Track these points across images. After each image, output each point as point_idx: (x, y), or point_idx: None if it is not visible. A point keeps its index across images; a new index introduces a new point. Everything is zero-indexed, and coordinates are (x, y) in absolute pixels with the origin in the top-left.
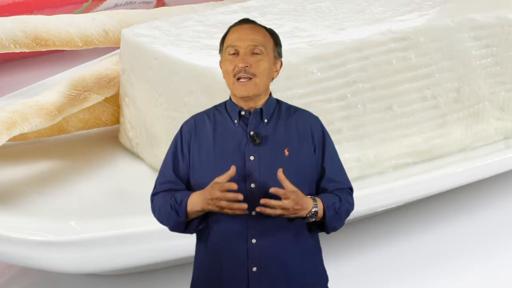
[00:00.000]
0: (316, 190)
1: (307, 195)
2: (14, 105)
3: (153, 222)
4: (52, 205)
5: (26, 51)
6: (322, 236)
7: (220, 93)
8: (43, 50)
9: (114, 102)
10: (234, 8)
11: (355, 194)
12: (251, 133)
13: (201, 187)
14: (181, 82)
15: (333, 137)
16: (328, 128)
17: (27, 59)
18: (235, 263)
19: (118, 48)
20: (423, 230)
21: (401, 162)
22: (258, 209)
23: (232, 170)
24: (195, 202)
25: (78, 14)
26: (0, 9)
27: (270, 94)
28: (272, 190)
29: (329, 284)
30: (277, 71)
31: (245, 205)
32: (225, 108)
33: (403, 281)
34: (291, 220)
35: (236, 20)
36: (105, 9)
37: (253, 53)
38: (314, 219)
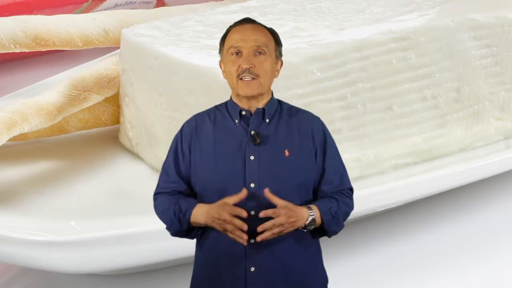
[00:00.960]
0: (316, 191)
1: (307, 196)
2: (14, 105)
3: (153, 222)
4: (52, 205)
5: (26, 51)
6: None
7: (220, 93)
8: (43, 50)
9: (114, 102)
10: (234, 8)
11: (355, 194)
12: (252, 132)
13: (202, 186)
14: (181, 82)
15: (333, 137)
16: (328, 128)
17: (27, 59)
18: (233, 263)
19: (118, 48)
20: (423, 230)
21: (401, 162)
22: (258, 238)
23: (244, 192)
24: (200, 214)
25: (78, 14)
26: (0, 9)
27: (272, 94)
28: (262, 214)
29: (329, 284)
30: (278, 71)
31: (246, 236)
32: (226, 108)
33: (403, 281)
34: None
35: (236, 20)
36: (105, 9)
37: (256, 54)
38: (314, 226)
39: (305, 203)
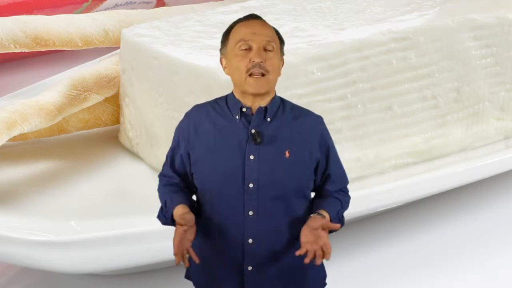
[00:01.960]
0: (318, 189)
1: (305, 196)
2: (14, 105)
3: (153, 222)
4: (52, 205)
5: (26, 51)
6: None
7: (220, 93)
8: (43, 50)
9: (114, 102)
10: (234, 8)
11: (355, 194)
12: (253, 131)
13: (202, 183)
14: (181, 82)
15: (333, 137)
16: (328, 128)
17: (27, 59)
18: (230, 262)
19: (118, 48)
20: (423, 230)
21: (401, 162)
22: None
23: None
24: (175, 215)
25: (78, 14)
26: (0, 9)
27: (275, 93)
28: (298, 253)
29: (329, 284)
30: (280, 70)
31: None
32: (225, 103)
33: (403, 281)
34: (288, 222)
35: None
36: (105, 9)
37: (266, 50)
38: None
39: (303, 203)
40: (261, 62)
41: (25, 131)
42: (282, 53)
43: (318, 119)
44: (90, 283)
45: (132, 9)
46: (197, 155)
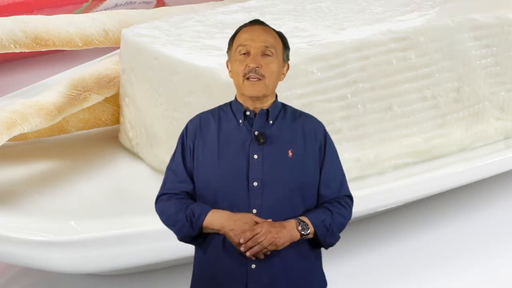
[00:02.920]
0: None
1: (311, 198)
2: (14, 105)
3: (153, 222)
4: (52, 205)
5: (26, 51)
6: None
7: (220, 93)
8: (43, 50)
9: (114, 102)
10: (234, 8)
11: (355, 194)
12: (256, 132)
13: (202, 185)
14: (181, 82)
15: (333, 137)
16: (328, 128)
17: (27, 59)
18: (234, 261)
19: (118, 48)
20: (423, 230)
21: (401, 162)
22: (249, 254)
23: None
24: (216, 220)
25: (78, 14)
26: (0, 9)
27: (276, 97)
28: (242, 240)
29: (329, 284)
30: (284, 74)
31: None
32: (230, 108)
33: (403, 281)
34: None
35: (236, 20)
36: (105, 9)
37: (264, 55)
38: (308, 237)
39: (309, 205)
40: (257, 67)
41: (25, 131)
42: (286, 58)
43: (319, 123)
44: (90, 283)
45: (132, 9)
46: (201, 157)
